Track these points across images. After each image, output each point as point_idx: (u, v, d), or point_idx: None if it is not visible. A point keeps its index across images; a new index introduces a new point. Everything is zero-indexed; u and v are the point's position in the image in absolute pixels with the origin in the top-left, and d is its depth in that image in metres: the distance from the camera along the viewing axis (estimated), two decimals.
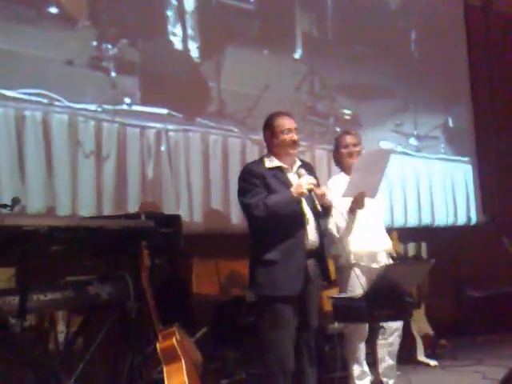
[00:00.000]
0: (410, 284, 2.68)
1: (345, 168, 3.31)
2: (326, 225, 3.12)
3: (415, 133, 5.60)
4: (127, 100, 3.80)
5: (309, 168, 2.94)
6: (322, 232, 2.92)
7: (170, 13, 4.13)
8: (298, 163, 2.91)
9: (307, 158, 4.67)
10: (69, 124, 3.54)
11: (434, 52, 5.72)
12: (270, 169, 2.83)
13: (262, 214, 2.69)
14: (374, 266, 3.20)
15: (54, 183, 3.43)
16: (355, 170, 3.04)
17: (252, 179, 2.78)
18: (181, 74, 4.12)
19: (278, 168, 2.85)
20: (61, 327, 3.04)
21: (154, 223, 2.81)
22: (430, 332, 4.44)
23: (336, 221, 3.13)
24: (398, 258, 4.51)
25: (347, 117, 5.08)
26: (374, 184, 3.06)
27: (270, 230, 2.74)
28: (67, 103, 3.54)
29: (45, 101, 3.45)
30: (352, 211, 3.11)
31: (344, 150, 3.30)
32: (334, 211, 3.12)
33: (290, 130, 2.85)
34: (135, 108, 3.83)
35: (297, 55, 4.82)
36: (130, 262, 2.73)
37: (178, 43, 4.15)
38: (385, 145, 5.24)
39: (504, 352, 4.27)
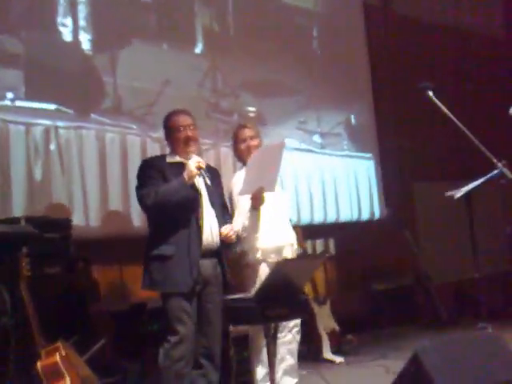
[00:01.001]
0: (302, 279, 2.60)
1: (245, 163, 3.21)
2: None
3: (319, 130, 5.62)
4: (9, 95, 3.49)
5: (212, 171, 2.93)
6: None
7: (59, 2, 3.84)
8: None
9: (212, 156, 4.56)
10: None
11: (336, 50, 5.78)
12: (170, 164, 2.80)
13: (151, 201, 2.64)
14: (290, 258, 3.13)
15: None
16: (249, 168, 2.96)
17: (150, 171, 2.74)
18: (71, 67, 3.84)
19: (179, 163, 2.80)
20: None
21: (33, 228, 2.55)
22: (336, 328, 4.46)
23: (242, 219, 3.01)
24: (301, 253, 4.54)
25: (251, 114, 4.99)
26: (270, 178, 2.99)
27: (164, 223, 2.68)
28: None
29: None
30: (254, 208, 3.01)
31: (242, 145, 3.19)
32: (238, 210, 3.02)
33: (184, 127, 2.82)
34: (19, 103, 3.52)
35: (198, 50, 4.67)
36: (7, 271, 2.46)
37: (67, 34, 3.87)
38: (287, 141, 5.21)
39: (406, 344, 4.36)
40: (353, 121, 6.04)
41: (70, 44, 3.89)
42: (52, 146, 3.64)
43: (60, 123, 3.70)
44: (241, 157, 3.21)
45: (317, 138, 5.63)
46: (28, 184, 3.50)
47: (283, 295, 2.41)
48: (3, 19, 3.52)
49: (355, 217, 5.90)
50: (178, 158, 2.83)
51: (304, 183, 5.39)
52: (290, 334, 3.13)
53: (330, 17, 5.83)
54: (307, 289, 4.54)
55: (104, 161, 3.87)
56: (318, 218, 5.50)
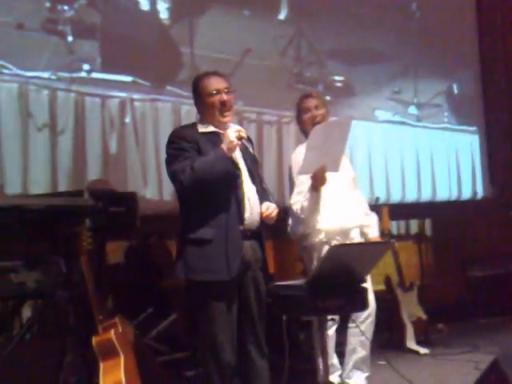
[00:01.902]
0: (363, 268, 2.28)
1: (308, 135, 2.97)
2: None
3: (415, 101, 5.20)
4: (86, 67, 3.48)
5: (249, 142, 2.55)
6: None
7: None
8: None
9: (292, 130, 4.35)
10: (19, 94, 3.24)
11: (438, 12, 5.28)
12: (203, 133, 2.46)
13: (187, 178, 2.29)
14: (348, 243, 2.89)
15: (1, 159, 3.13)
16: (310, 144, 2.67)
17: (182, 143, 2.39)
18: (148, 37, 3.77)
19: (213, 133, 2.46)
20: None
21: (95, 201, 2.50)
22: (423, 316, 4.12)
23: (301, 199, 2.79)
24: (387, 236, 4.24)
25: (338, 84, 4.70)
26: (334, 156, 2.71)
27: (201, 203, 2.36)
28: (17, 71, 3.23)
29: None
30: (314, 189, 2.77)
31: (306, 115, 2.95)
32: (298, 188, 2.79)
33: (218, 91, 2.44)
34: (95, 75, 3.52)
35: (282, 16, 4.44)
36: (68, 245, 2.44)
37: (144, 3, 3.80)
38: (378, 113, 4.87)
39: (503, 338, 3.94)
40: (455, 90, 5.53)
41: (147, 13, 3.82)
42: (127, 119, 3.62)
43: (136, 95, 3.66)
44: (304, 128, 2.98)
45: (413, 110, 5.22)
46: (103, 157, 3.50)
47: (339, 284, 2.15)
48: None
49: (454, 196, 5.43)
50: (211, 128, 2.47)
51: (396, 158, 5.02)
52: (363, 325, 2.90)
53: None
54: (391, 274, 4.25)
55: None
56: (411, 196, 5.11)
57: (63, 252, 2.43)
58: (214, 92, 2.43)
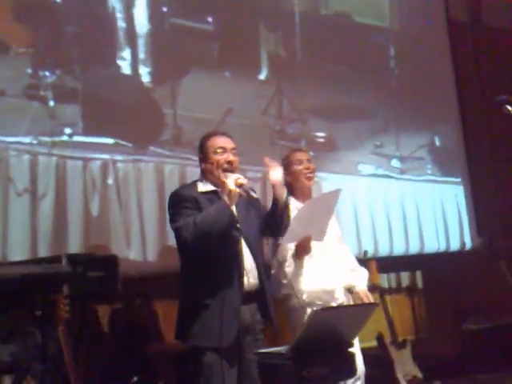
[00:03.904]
0: (349, 332, 2.19)
1: (296, 191, 2.94)
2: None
3: (398, 154, 5.24)
4: (67, 130, 3.50)
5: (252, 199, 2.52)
6: (265, 270, 2.50)
7: (117, 36, 3.85)
8: None
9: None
10: None
11: (416, 68, 5.41)
12: (203, 193, 2.44)
13: (190, 234, 2.27)
14: (333, 304, 2.82)
15: None
16: (296, 217, 2.64)
17: (183, 203, 2.39)
18: (130, 100, 3.82)
19: (213, 192, 2.45)
20: None
21: (74, 267, 2.44)
22: (419, 374, 4.00)
23: (282, 266, 2.73)
24: (376, 290, 4.17)
25: (321, 139, 4.74)
26: (320, 227, 2.71)
27: (202, 265, 2.33)
28: None
29: None
30: (298, 257, 2.73)
31: (298, 167, 2.91)
32: (280, 253, 2.75)
33: (224, 150, 2.46)
34: (77, 139, 3.52)
35: (262, 76, 4.52)
36: (44, 314, 2.36)
37: (126, 68, 3.86)
38: (361, 167, 4.90)
39: None
40: (437, 143, 5.60)
41: (129, 77, 3.87)
42: (110, 181, 3.61)
43: (118, 157, 3.66)
44: (293, 181, 2.93)
45: (395, 163, 5.25)
46: (84, 219, 3.47)
47: (324, 351, 2.06)
48: (60, 54, 3.56)
49: (443, 247, 5.41)
50: (210, 187, 2.46)
51: (382, 211, 5.02)
52: None
53: (408, 34, 5.49)
54: (383, 329, 4.16)
55: (163, 193, 3.77)
56: (399, 249, 5.08)
57: (39, 322, 2.34)
58: (220, 150, 2.44)
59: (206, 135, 2.56)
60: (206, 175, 2.51)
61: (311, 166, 2.94)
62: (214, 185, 2.46)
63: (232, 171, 2.43)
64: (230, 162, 2.45)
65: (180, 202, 2.39)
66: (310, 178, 2.93)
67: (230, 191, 2.31)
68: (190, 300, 2.35)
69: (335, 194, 2.73)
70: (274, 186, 2.50)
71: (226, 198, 2.32)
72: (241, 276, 2.34)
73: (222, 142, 2.48)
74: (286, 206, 2.52)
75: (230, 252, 2.35)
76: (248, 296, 2.38)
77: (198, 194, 2.42)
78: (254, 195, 2.44)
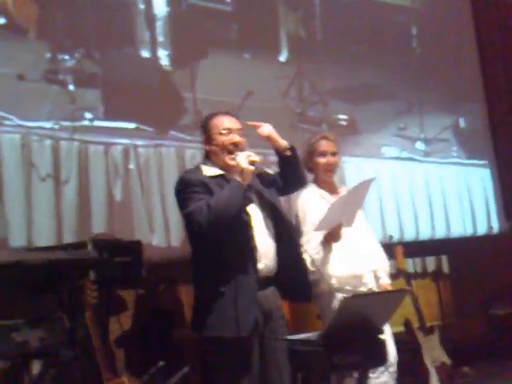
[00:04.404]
0: (380, 318, 2.14)
1: (318, 179, 2.88)
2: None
3: (422, 136, 5.13)
4: (88, 115, 3.45)
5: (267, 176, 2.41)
6: (288, 245, 2.34)
7: (136, 19, 3.79)
8: None
9: None
10: (21, 145, 3.19)
11: (439, 47, 5.28)
12: (211, 177, 2.29)
13: (205, 218, 2.11)
14: (362, 289, 2.76)
15: (5, 212, 3.06)
16: (333, 207, 2.61)
17: (192, 187, 2.23)
18: (150, 84, 3.76)
19: (221, 176, 2.30)
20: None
21: (100, 252, 2.40)
22: (447, 361, 3.92)
23: (311, 252, 2.65)
24: (404, 275, 4.09)
25: (342, 122, 4.65)
26: (351, 214, 2.67)
27: (214, 252, 2.19)
28: (19, 121, 3.20)
29: None
30: (327, 243, 2.67)
31: (321, 159, 2.84)
32: (307, 238, 2.68)
33: (229, 131, 2.31)
34: (98, 123, 3.47)
35: (282, 58, 4.43)
36: (72, 300, 2.33)
37: (146, 51, 3.80)
38: (384, 150, 4.80)
39: None
40: (462, 124, 5.47)
41: (148, 60, 3.81)
42: (131, 165, 3.56)
43: (139, 142, 3.61)
44: (314, 170, 2.87)
45: (420, 145, 5.14)
46: (108, 205, 3.43)
47: (355, 338, 2.01)
48: (80, 38, 3.52)
49: (469, 231, 5.30)
50: (217, 170, 2.30)
51: (406, 195, 4.91)
52: (383, 376, 2.72)
53: (431, 13, 5.36)
54: (410, 315, 4.08)
55: None
56: (425, 234, 4.98)
57: (67, 307, 2.31)
58: (226, 131, 2.30)
59: (209, 115, 2.42)
60: (210, 157, 2.36)
61: (334, 160, 2.86)
62: (221, 168, 2.32)
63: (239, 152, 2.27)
64: (236, 144, 2.30)
65: (189, 187, 2.24)
66: (329, 173, 2.88)
67: (243, 170, 2.18)
68: (204, 289, 2.24)
69: (368, 183, 2.67)
70: (270, 141, 2.39)
71: (238, 177, 2.18)
72: (254, 261, 2.21)
73: (227, 122, 2.35)
74: (294, 151, 2.42)
75: (240, 236, 2.21)
76: (266, 280, 2.26)
77: (206, 178, 2.27)
78: (270, 171, 2.34)
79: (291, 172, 2.43)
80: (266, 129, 2.40)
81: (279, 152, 2.40)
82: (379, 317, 2.18)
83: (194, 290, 2.29)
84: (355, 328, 2.03)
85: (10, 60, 3.23)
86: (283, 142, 2.40)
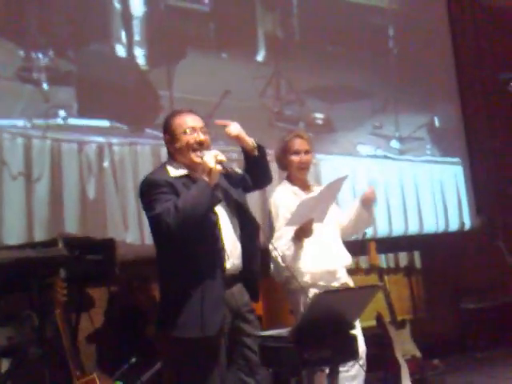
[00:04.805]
0: (351, 314, 2.17)
1: (291, 176, 2.94)
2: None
3: (397, 134, 5.20)
4: (62, 113, 3.47)
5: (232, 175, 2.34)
6: (252, 244, 2.32)
7: (112, 18, 3.80)
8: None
9: (275, 167, 4.32)
10: None
11: (415, 48, 5.35)
12: (176, 178, 2.24)
13: (172, 219, 2.07)
14: (334, 284, 2.82)
15: None
16: (304, 203, 2.65)
17: (158, 188, 2.18)
18: (125, 82, 3.78)
19: (186, 177, 2.25)
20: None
21: (71, 250, 2.43)
22: (418, 354, 4.01)
23: (282, 247, 2.71)
24: (377, 271, 4.17)
25: (319, 121, 4.70)
26: (322, 210, 2.71)
27: (180, 251, 2.16)
28: None
29: None
30: (298, 239, 2.72)
31: (294, 157, 2.89)
32: (279, 234, 2.73)
33: (193, 129, 2.25)
34: (72, 121, 3.49)
35: (259, 57, 4.47)
36: (41, 297, 2.36)
37: (121, 50, 3.81)
38: (360, 148, 4.87)
39: (501, 372, 3.84)
40: (437, 123, 5.56)
41: (123, 59, 3.83)
42: (105, 163, 3.58)
43: (114, 140, 3.63)
44: (287, 167, 2.94)
45: (395, 144, 5.22)
46: (81, 203, 3.45)
47: (327, 333, 2.03)
48: (55, 36, 3.52)
49: (441, 228, 5.40)
50: (182, 171, 2.26)
51: (381, 192, 4.99)
52: (353, 368, 2.79)
53: (407, 14, 5.42)
54: (382, 309, 4.16)
55: None
56: (398, 230, 5.07)
57: (36, 305, 2.33)
58: (190, 130, 2.25)
59: (171, 114, 2.35)
60: (175, 157, 2.30)
61: (307, 158, 2.90)
62: (186, 167, 2.27)
63: (204, 150, 2.23)
64: (200, 143, 2.24)
65: (155, 188, 2.18)
66: (303, 171, 2.92)
67: (211, 169, 2.13)
68: (170, 289, 2.22)
69: (341, 180, 2.73)
70: (238, 140, 2.37)
71: (205, 177, 2.14)
72: (222, 260, 2.20)
73: (190, 121, 2.28)
74: (262, 149, 2.40)
75: (207, 236, 2.19)
76: (232, 278, 2.25)
77: (172, 179, 2.22)
78: (238, 170, 2.29)
79: (259, 170, 2.43)
80: (235, 128, 2.38)
81: (247, 151, 2.40)
82: (351, 312, 2.21)
83: (160, 290, 2.28)
84: (326, 323, 2.05)
85: None
86: (251, 141, 2.40)
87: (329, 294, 2.33)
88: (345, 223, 2.98)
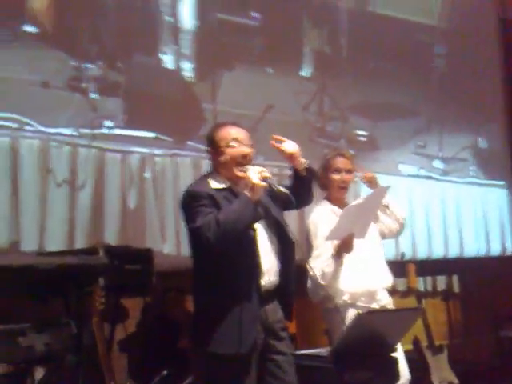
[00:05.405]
0: (393, 336, 2.14)
1: (331, 195, 2.91)
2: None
3: (440, 155, 5.12)
4: (108, 123, 3.52)
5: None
6: (289, 262, 2.30)
7: (162, 31, 3.86)
8: None
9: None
10: (40, 150, 3.27)
11: (464, 67, 5.26)
12: (217, 190, 2.23)
13: (213, 234, 2.06)
14: (374, 305, 2.77)
15: (19, 215, 3.14)
16: (345, 214, 2.63)
17: (199, 201, 2.16)
18: (171, 94, 3.82)
19: (228, 189, 2.24)
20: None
21: (110, 259, 2.46)
22: (455, 381, 3.91)
23: (321, 265, 2.68)
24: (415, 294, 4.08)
25: (361, 138, 4.66)
26: (364, 224, 2.67)
27: (218, 268, 2.16)
28: (39, 127, 3.28)
29: (14, 125, 3.20)
30: (339, 255, 2.68)
31: (335, 176, 2.87)
32: (318, 252, 2.70)
33: (238, 142, 2.24)
34: (117, 132, 3.54)
35: (305, 73, 4.46)
36: (80, 305, 2.39)
37: (169, 62, 3.86)
38: (402, 168, 4.80)
39: None
40: (481, 144, 5.44)
41: (171, 71, 3.87)
42: (147, 174, 3.62)
43: (157, 151, 3.68)
44: (327, 186, 2.90)
45: (438, 164, 5.13)
46: (121, 212, 3.49)
47: (367, 355, 2.00)
48: (105, 47, 3.58)
49: (482, 252, 5.26)
50: (224, 184, 2.24)
51: (421, 213, 4.91)
52: None
53: (457, 33, 5.35)
54: (419, 333, 4.07)
55: None
56: (438, 253, 4.97)
57: (74, 313, 2.37)
58: (235, 143, 2.24)
59: (216, 126, 2.35)
60: (218, 170, 2.29)
61: (348, 177, 2.88)
62: (228, 180, 2.25)
63: (247, 164, 2.22)
64: (244, 156, 2.23)
65: (196, 200, 2.17)
66: (342, 191, 2.90)
67: (254, 185, 2.11)
68: (206, 304, 2.21)
69: (382, 190, 2.69)
70: (291, 158, 2.33)
71: (248, 192, 2.12)
72: (258, 276, 2.18)
73: (235, 133, 2.26)
74: (311, 171, 2.40)
75: (245, 251, 2.17)
76: (267, 295, 2.23)
77: (213, 191, 2.21)
78: (283, 189, 2.26)
79: (304, 190, 2.42)
80: (291, 146, 2.36)
81: (296, 170, 2.38)
82: (393, 334, 2.17)
83: (195, 303, 2.29)
84: (368, 345, 2.02)
85: (36, 67, 3.30)
86: (303, 161, 2.38)
87: (371, 314, 2.30)
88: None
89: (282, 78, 4.31)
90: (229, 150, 2.24)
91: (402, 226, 3.01)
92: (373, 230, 2.85)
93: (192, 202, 2.19)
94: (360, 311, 2.54)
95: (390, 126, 4.82)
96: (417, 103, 4.96)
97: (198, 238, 2.15)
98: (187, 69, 3.92)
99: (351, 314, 2.61)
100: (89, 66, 3.50)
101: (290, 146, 2.36)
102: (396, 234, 3.08)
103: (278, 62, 4.31)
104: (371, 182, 2.96)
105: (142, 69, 3.72)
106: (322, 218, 2.81)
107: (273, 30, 4.33)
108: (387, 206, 2.95)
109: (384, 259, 2.95)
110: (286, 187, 2.40)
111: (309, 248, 2.81)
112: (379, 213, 2.93)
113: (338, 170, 2.87)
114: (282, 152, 2.37)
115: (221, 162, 2.26)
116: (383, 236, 2.97)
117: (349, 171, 2.89)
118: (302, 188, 2.41)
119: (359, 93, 4.66)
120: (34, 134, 3.25)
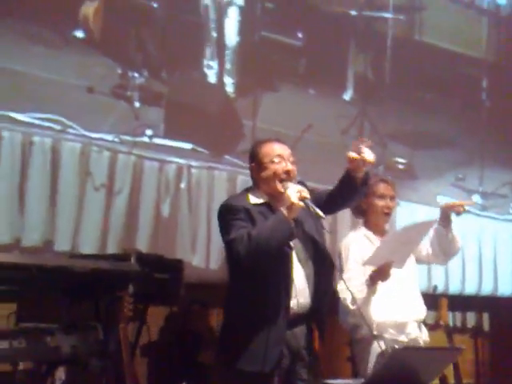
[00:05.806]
0: (428, 375, 2.05)
1: (370, 221, 2.85)
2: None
3: (480, 189, 5.01)
4: (149, 132, 3.56)
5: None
6: (324, 284, 2.25)
7: (207, 45, 3.90)
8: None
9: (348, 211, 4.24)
10: (80, 153, 3.33)
11: (508, 102, 5.16)
12: (255, 205, 2.23)
13: (244, 248, 2.07)
14: (403, 338, 2.71)
15: (55, 216, 3.18)
16: (389, 239, 2.62)
17: (235, 214, 2.18)
18: (212, 108, 3.85)
19: (266, 205, 2.24)
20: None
21: (141, 267, 2.46)
22: None
23: (352, 289, 2.62)
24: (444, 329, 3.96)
25: (400, 166, 4.60)
26: (404, 254, 2.62)
27: (250, 284, 2.16)
28: (82, 131, 3.34)
29: (57, 127, 3.27)
30: (373, 282, 2.62)
31: (379, 201, 2.80)
32: (348, 279, 2.64)
33: (281, 158, 2.24)
34: (156, 141, 3.58)
35: (347, 97, 4.45)
36: (109, 310, 2.38)
37: (212, 77, 3.89)
38: (440, 199, 4.69)
39: None
40: None
41: (213, 86, 3.91)
42: (182, 185, 3.64)
43: (194, 162, 3.70)
44: (367, 212, 2.85)
45: (477, 198, 5.01)
46: (154, 220, 3.51)
47: None
48: (151, 57, 3.63)
49: None
50: (262, 199, 2.24)
51: None
52: None
53: (504, 67, 5.25)
54: (447, 372, 3.94)
55: None
56: (471, 289, 4.83)
57: (103, 317, 2.36)
58: (278, 159, 2.24)
59: (259, 142, 2.36)
60: (259, 186, 2.29)
61: (393, 204, 2.84)
62: (268, 196, 2.26)
63: (290, 181, 2.21)
64: (288, 172, 2.23)
65: (232, 213, 2.19)
66: (386, 217, 2.85)
67: (293, 204, 2.10)
68: (235, 319, 2.22)
69: (429, 224, 2.64)
70: (360, 166, 2.20)
71: (284, 210, 2.11)
72: (288, 298, 2.16)
73: (278, 149, 2.27)
74: (368, 176, 2.26)
75: (278, 270, 2.16)
76: (296, 318, 2.20)
77: (250, 205, 2.22)
78: (320, 213, 2.16)
79: (347, 198, 2.30)
80: (372, 155, 2.22)
81: (352, 178, 2.22)
82: (427, 373, 2.09)
83: (224, 318, 2.28)
84: (400, 381, 1.96)
85: (83, 72, 3.38)
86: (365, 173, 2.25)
87: (408, 350, 2.24)
88: (428, 249, 2.84)
89: (324, 100, 4.30)
90: (272, 166, 2.24)
91: (455, 254, 2.92)
92: (411, 260, 2.79)
93: (227, 215, 2.22)
94: (385, 343, 2.47)
95: (430, 155, 4.74)
96: (459, 135, 4.88)
97: (230, 250, 2.17)
98: (229, 84, 3.95)
99: (377, 345, 2.53)
100: (135, 74, 3.55)
101: (370, 155, 2.23)
102: (443, 261, 2.97)
103: (321, 84, 4.31)
104: (459, 212, 2.85)
105: (185, 81, 3.77)
106: (354, 242, 2.78)
107: (317, 51, 4.33)
108: (451, 230, 2.84)
109: (419, 291, 2.87)
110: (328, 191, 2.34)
111: (340, 272, 2.76)
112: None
113: (383, 196, 2.81)
114: (359, 160, 2.20)
115: (263, 177, 2.26)
116: (418, 259, 2.88)
117: (392, 197, 2.84)
118: (347, 195, 2.28)
119: (400, 120, 4.62)
120: (76, 138, 3.32)
